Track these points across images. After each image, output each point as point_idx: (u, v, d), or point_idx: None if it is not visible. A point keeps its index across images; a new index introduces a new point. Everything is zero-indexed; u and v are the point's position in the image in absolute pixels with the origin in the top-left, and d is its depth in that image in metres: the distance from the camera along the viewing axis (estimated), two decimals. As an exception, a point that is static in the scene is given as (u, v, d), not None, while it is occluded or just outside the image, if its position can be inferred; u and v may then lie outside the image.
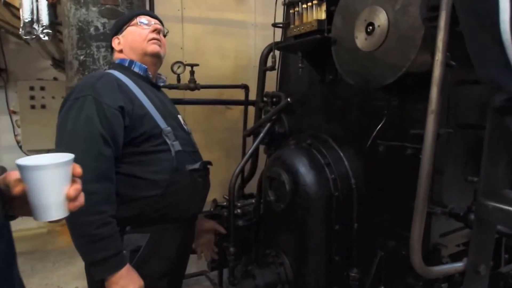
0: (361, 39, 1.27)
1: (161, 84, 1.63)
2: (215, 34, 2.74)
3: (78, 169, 0.73)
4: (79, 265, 3.49)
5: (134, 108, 1.33)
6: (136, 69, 1.48)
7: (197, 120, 2.75)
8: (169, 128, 1.39)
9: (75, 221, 1.20)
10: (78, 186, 0.72)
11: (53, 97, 4.22)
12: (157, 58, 1.53)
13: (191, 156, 1.46)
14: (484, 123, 1.29)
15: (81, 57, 2.18)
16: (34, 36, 2.33)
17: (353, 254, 1.53)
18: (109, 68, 1.51)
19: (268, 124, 1.77)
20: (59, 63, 3.61)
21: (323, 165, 1.58)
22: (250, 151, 1.79)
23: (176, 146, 1.39)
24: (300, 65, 1.58)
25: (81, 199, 0.74)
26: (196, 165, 1.44)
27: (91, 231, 1.20)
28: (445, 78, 0.95)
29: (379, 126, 1.35)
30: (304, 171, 1.57)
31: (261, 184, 1.93)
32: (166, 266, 1.42)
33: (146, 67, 1.49)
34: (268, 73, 2.17)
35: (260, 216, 1.90)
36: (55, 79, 4.32)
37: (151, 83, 1.53)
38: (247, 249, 1.93)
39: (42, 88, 4.25)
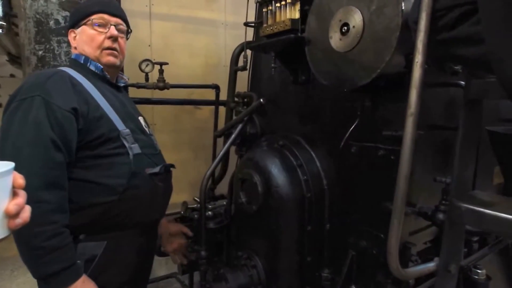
0: (335, 40, 1.25)
1: (122, 84, 1.53)
2: (185, 32, 2.65)
3: (20, 180, 0.61)
4: None
5: (90, 109, 1.24)
6: (92, 67, 1.39)
7: (166, 120, 2.65)
8: (127, 130, 1.32)
9: (22, 232, 1.07)
10: (20, 200, 0.60)
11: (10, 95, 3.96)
12: (112, 68, 1.44)
13: (152, 159, 1.39)
14: (450, 125, 1.32)
15: (40, 52, 2.03)
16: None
17: (325, 254, 1.52)
18: (64, 65, 1.42)
19: (240, 125, 1.73)
20: (15, 59, 3.37)
21: (295, 166, 1.55)
22: (221, 152, 1.73)
23: (134, 149, 1.32)
24: (272, 65, 1.55)
25: (25, 215, 0.62)
26: (156, 169, 1.36)
27: (39, 243, 1.10)
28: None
29: (352, 127, 1.34)
30: (276, 172, 1.54)
31: (233, 185, 1.88)
32: (125, 276, 1.34)
33: (102, 67, 1.39)
34: (239, 73, 2.12)
35: (232, 218, 1.84)
36: (12, 75, 4.04)
37: (109, 83, 1.43)
38: (218, 252, 1.87)
39: (-2, 85, 3.98)
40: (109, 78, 1.42)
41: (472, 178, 0.98)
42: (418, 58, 0.85)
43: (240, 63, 2.02)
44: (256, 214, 1.60)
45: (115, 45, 1.41)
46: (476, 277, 1.31)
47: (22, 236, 1.11)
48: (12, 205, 0.58)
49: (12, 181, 0.59)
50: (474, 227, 1.04)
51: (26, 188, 1.09)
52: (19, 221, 0.60)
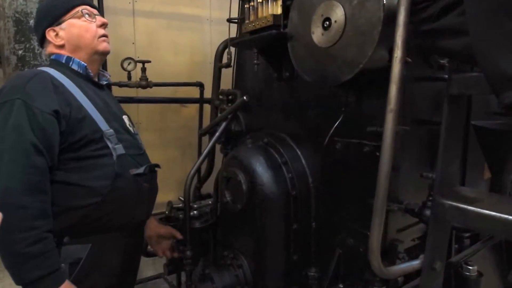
0: (317, 35, 1.22)
1: (104, 82, 1.49)
2: (169, 29, 2.59)
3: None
4: None
5: (72, 110, 1.21)
6: (74, 67, 1.34)
7: (151, 119, 2.60)
8: (111, 131, 1.29)
9: (3, 239, 1.08)
10: None
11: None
12: (105, 56, 1.43)
13: (136, 159, 1.36)
14: (437, 119, 1.29)
15: (20, 52, 1.96)
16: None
17: (311, 253, 1.49)
18: (45, 65, 1.36)
19: (224, 123, 1.68)
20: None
21: (280, 164, 1.51)
22: (205, 151, 1.69)
23: (118, 149, 1.29)
24: (255, 61, 1.51)
25: None
26: (141, 169, 1.33)
27: (21, 249, 1.08)
28: (403, 75, 0.92)
29: (337, 124, 1.31)
30: (261, 170, 1.50)
31: (218, 184, 1.85)
32: (111, 279, 1.32)
33: (86, 64, 1.36)
34: (224, 70, 2.07)
35: (218, 217, 1.80)
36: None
37: (92, 82, 1.39)
38: (204, 251, 1.83)
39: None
40: (91, 77, 1.38)
41: (457, 174, 0.96)
42: (397, 53, 0.83)
43: (225, 60, 1.98)
44: (241, 213, 1.56)
45: (106, 31, 1.41)
46: (468, 273, 1.30)
47: (3, 243, 1.09)
48: None
49: None
50: (458, 224, 1.02)
51: (6, 194, 1.05)
52: None
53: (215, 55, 1.97)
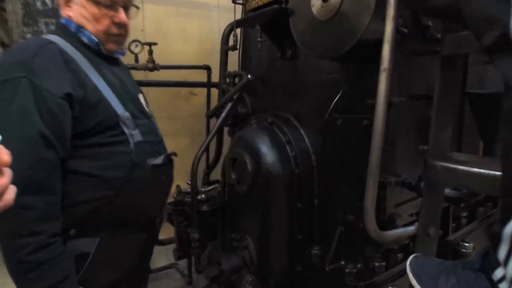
0: (317, 7, 1.29)
1: (119, 55, 1.38)
2: (178, 16, 2.71)
3: (5, 156, 0.53)
4: None
5: (86, 93, 1.10)
6: (84, 39, 1.22)
7: (162, 107, 2.72)
8: (127, 114, 1.19)
9: (5, 244, 1.00)
10: (4, 180, 0.53)
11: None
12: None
13: (154, 147, 1.28)
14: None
15: (28, 35, 2.10)
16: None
17: (314, 231, 1.56)
18: (51, 31, 1.24)
19: (230, 104, 1.77)
20: (7, 47, 3.47)
21: (284, 143, 1.59)
22: (212, 131, 1.79)
23: (135, 136, 1.20)
24: (259, 39, 1.59)
25: (8, 197, 0.55)
26: (159, 160, 1.26)
27: (23, 257, 0.99)
28: (397, 38, 0.98)
29: (336, 99, 1.37)
30: (265, 150, 1.58)
31: (225, 168, 1.94)
32: (121, 274, 1.26)
33: (97, 41, 1.23)
34: (231, 54, 2.16)
35: (225, 201, 1.90)
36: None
37: (104, 56, 1.27)
38: (213, 235, 1.93)
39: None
40: (105, 52, 1.26)
41: (450, 140, 1.01)
42: (390, 11, 0.89)
43: (231, 43, 2.07)
44: (246, 194, 1.65)
45: (122, 31, 1.26)
46: (464, 250, 1.34)
47: (5, 249, 1.01)
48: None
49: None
50: (450, 185, 1.07)
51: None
52: (2, 203, 0.53)
53: (221, 38, 2.07)
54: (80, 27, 1.21)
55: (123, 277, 1.27)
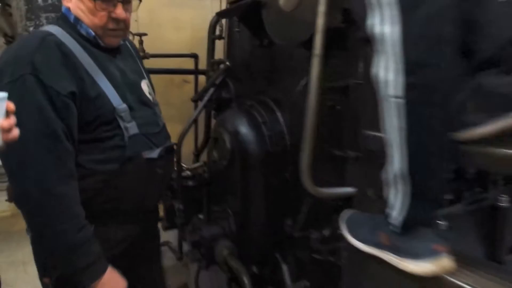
0: (283, 0, 1.48)
1: (120, 43, 1.37)
2: (171, 6, 2.90)
3: (12, 105, 0.83)
4: None
5: (85, 88, 1.16)
6: (82, 32, 1.25)
7: (156, 94, 2.91)
8: (123, 106, 1.23)
9: (53, 229, 1.13)
10: (11, 120, 0.84)
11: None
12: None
13: (151, 139, 1.31)
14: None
15: (31, 29, 2.32)
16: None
17: (287, 204, 1.76)
18: (54, 21, 1.29)
19: (212, 89, 1.98)
20: (12, 40, 3.72)
21: (261, 123, 1.79)
22: (195, 113, 2.00)
23: (131, 129, 1.24)
24: (236, 29, 1.79)
25: (15, 132, 0.85)
26: (154, 154, 1.29)
27: (70, 239, 1.13)
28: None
29: (302, 82, 1.57)
30: (243, 130, 1.79)
31: (210, 147, 2.15)
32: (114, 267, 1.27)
33: (94, 34, 1.25)
34: (218, 43, 2.36)
35: (209, 177, 2.11)
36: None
37: (103, 48, 1.30)
38: (198, 209, 2.14)
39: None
40: (103, 45, 1.28)
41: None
42: (322, 8, 1.08)
43: (218, 32, 2.27)
44: (226, 170, 1.85)
45: (121, 25, 1.28)
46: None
47: (49, 234, 1.14)
48: (6, 123, 0.81)
49: (5, 106, 0.81)
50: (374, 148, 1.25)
51: (44, 184, 1.09)
52: (11, 135, 0.83)
53: (209, 28, 2.26)
54: (78, 19, 1.24)
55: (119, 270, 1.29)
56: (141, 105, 1.33)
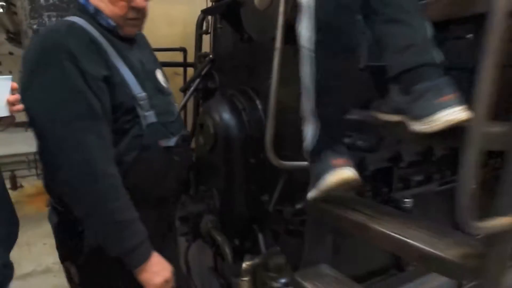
0: (257, 0, 1.70)
1: (136, 33, 1.41)
2: (163, 2, 3.09)
3: (15, 84, 1.08)
4: (45, 227, 3.98)
5: (111, 73, 1.20)
6: (102, 22, 1.27)
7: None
8: (143, 95, 1.26)
9: (101, 209, 1.16)
10: (16, 96, 1.08)
11: (10, 72, 4.57)
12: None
13: (168, 128, 1.35)
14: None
15: (34, 26, 2.55)
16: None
17: (264, 182, 1.99)
18: (72, 12, 1.29)
19: (198, 80, 2.20)
20: (13, 37, 3.94)
21: (241, 110, 2.02)
22: (183, 101, 2.22)
23: (149, 117, 1.27)
24: (218, 25, 2.01)
25: (19, 106, 1.09)
26: (172, 142, 1.34)
27: (117, 218, 1.16)
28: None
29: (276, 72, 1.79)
30: (225, 116, 2.01)
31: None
32: None
33: (115, 25, 1.29)
34: (206, 37, 2.58)
35: (197, 160, 2.34)
36: (10, 53, 4.64)
37: (122, 37, 1.33)
38: (187, 190, 2.37)
39: (-1, 63, 4.61)
40: (123, 35, 1.32)
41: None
42: (281, 8, 1.30)
43: (205, 27, 2.49)
44: (210, 153, 2.09)
45: (139, 15, 1.32)
46: (404, 205, 1.78)
47: (99, 213, 1.16)
48: (12, 98, 1.06)
49: (10, 85, 1.07)
50: None
51: (91, 165, 1.12)
52: (15, 108, 1.08)
53: (196, 24, 2.48)
54: (97, 10, 1.26)
55: None
56: (158, 94, 1.37)
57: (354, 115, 1.31)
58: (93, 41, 1.19)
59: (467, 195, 0.78)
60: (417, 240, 1.04)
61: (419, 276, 2.02)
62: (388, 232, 1.11)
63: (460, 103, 0.92)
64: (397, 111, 1.08)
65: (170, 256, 1.50)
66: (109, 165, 1.16)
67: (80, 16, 1.25)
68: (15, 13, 2.83)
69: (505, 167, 0.88)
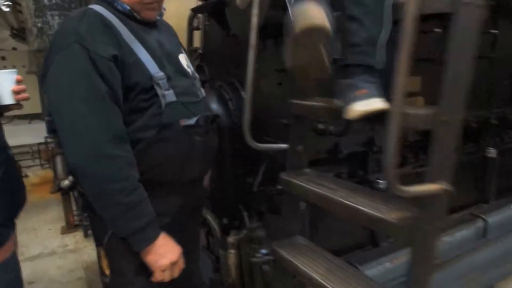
0: (239, 0, 1.90)
1: (158, 18, 1.47)
2: (158, -1, 3.29)
3: (20, 77, 1.30)
4: (50, 214, 4.24)
5: (124, 53, 1.23)
6: (119, 7, 1.33)
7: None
8: (160, 74, 1.28)
9: (105, 190, 1.18)
10: (20, 87, 1.30)
11: (13, 66, 4.77)
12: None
13: (189, 108, 1.36)
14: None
15: (39, 25, 2.75)
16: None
17: (249, 166, 2.20)
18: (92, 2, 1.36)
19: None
20: (17, 33, 4.14)
21: (227, 100, 2.23)
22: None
23: (168, 96, 1.28)
24: (206, 23, 2.21)
25: (24, 95, 1.31)
26: (192, 120, 1.33)
27: (122, 199, 1.17)
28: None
29: (256, 66, 1.99)
30: (213, 105, 2.22)
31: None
32: None
33: (129, 8, 1.33)
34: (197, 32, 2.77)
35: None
36: (14, 49, 4.84)
37: (141, 21, 1.37)
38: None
39: (3, 58, 4.80)
40: (140, 18, 1.35)
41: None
42: (255, 10, 1.50)
43: (196, 24, 2.68)
44: (201, 140, 2.29)
45: None
46: (377, 185, 2.01)
47: (104, 194, 1.18)
48: (16, 87, 1.29)
49: (15, 77, 1.30)
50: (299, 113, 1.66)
51: (96, 145, 1.15)
52: (20, 96, 1.30)
53: (188, 20, 2.67)
54: None
55: None
56: (179, 75, 1.38)
57: (320, 102, 1.50)
58: (105, 23, 1.23)
59: (391, 164, 0.99)
60: (366, 206, 1.23)
61: (393, 251, 2.22)
62: (344, 201, 1.30)
63: (372, 96, 1.13)
64: (338, 98, 1.27)
65: (190, 239, 1.54)
66: (112, 145, 1.16)
67: (99, 4, 1.31)
68: (20, 11, 3.03)
69: (431, 143, 1.08)
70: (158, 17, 1.47)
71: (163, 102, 1.27)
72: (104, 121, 1.16)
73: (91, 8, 1.28)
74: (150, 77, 1.25)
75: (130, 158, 1.21)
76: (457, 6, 0.97)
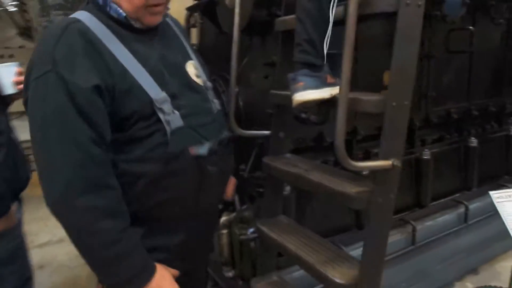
0: (228, 0, 2.08)
1: (159, 21, 1.22)
2: (158, -2, 3.49)
3: (21, 69, 1.46)
4: None
5: (115, 79, 1.05)
6: (112, 13, 1.14)
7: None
8: (163, 96, 1.11)
9: (81, 242, 1.08)
10: (20, 78, 1.44)
11: (21, 64, 5.02)
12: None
13: (200, 132, 1.19)
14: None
15: (44, 24, 2.98)
16: (2, 8, 3.13)
17: (241, 153, 2.38)
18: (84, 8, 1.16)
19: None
20: (24, 31, 4.36)
21: (221, 93, 2.41)
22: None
23: (173, 121, 1.12)
24: (200, 21, 2.40)
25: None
26: (204, 149, 1.17)
27: (100, 253, 1.06)
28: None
29: (244, 61, 2.18)
30: (208, 98, 2.41)
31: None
32: None
33: (125, 15, 1.13)
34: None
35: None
36: (21, 47, 5.08)
37: (138, 29, 1.17)
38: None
39: (11, 56, 5.04)
40: (137, 27, 1.16)
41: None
42: (237, 10, 1.68)
43: (193, 21, 2.87)
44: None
45: (163, 0, 1.15)
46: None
47: (80, 247, 1.08)
48: (17, 78, 1.48)
49: (16, 70, 1.49)
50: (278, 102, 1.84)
51: (67, 196, 1.01)
52: (21, 86, 1.39)
53: (185, 18, 2.86)
54: (106, 0, 1.14)
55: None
56: (187, 90, 1.21)
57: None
58: (90, 42, 1.06)
59: (341, 142, 1.17)
60: (333, 183, 1.42)
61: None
62: (315, 180, 1.49)
63: (307, 89, 1.33)
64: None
65: (197, 278, 1.45)
66: (88, 196, 1.02)
67: (89, 10, 1.14)
68: (26, 11, 3.25)
69: (383, 124, 1.26)
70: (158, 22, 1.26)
71: (168, 129, 1.11)
72: (79, 167, 1.01)
73: (75, 20, 1.09)
74: (151, 101, 1.09)
75: (111, 206, 1.07)
76: (400, 6, 1.15)
